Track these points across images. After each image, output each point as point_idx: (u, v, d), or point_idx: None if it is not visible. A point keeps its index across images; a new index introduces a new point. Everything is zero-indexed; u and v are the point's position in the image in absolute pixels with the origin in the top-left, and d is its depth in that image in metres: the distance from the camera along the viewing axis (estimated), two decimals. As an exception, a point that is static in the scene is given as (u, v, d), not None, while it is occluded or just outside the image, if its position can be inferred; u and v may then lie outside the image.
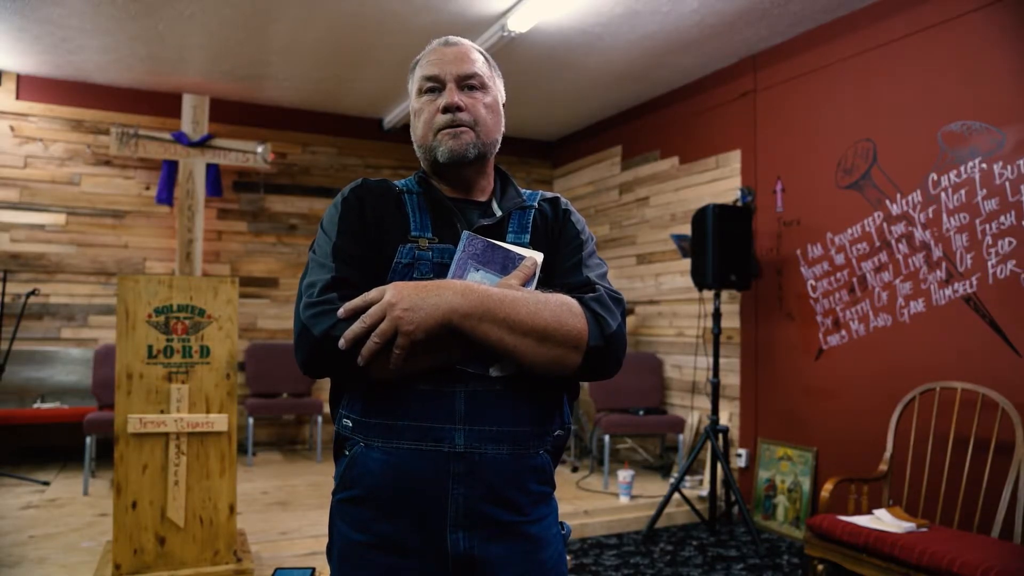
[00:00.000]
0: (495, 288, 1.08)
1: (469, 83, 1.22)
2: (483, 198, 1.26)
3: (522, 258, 1.15)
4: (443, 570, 1.11)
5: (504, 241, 1.19)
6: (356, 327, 1.04)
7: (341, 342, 1.04)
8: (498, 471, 1.11)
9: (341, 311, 1.06)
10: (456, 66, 1.21)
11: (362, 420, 1.13)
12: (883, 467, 3.23)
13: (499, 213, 1.23)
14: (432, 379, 1.10)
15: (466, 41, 1.27)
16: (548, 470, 1.18)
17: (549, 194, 1.32)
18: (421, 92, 1.23)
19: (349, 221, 1.17)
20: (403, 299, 1.03)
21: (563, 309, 1.10)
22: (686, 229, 4.73)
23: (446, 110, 1.19)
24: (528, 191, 1.30)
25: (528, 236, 1.23)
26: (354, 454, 1.14)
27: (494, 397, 1.12)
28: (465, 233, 1.15)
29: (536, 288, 1.15)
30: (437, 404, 1.10)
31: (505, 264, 1.14)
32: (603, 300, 1.15)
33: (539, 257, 1.17)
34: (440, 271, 1.14)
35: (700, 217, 4.15)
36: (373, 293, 1.06)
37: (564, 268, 1.22)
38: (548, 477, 1.19)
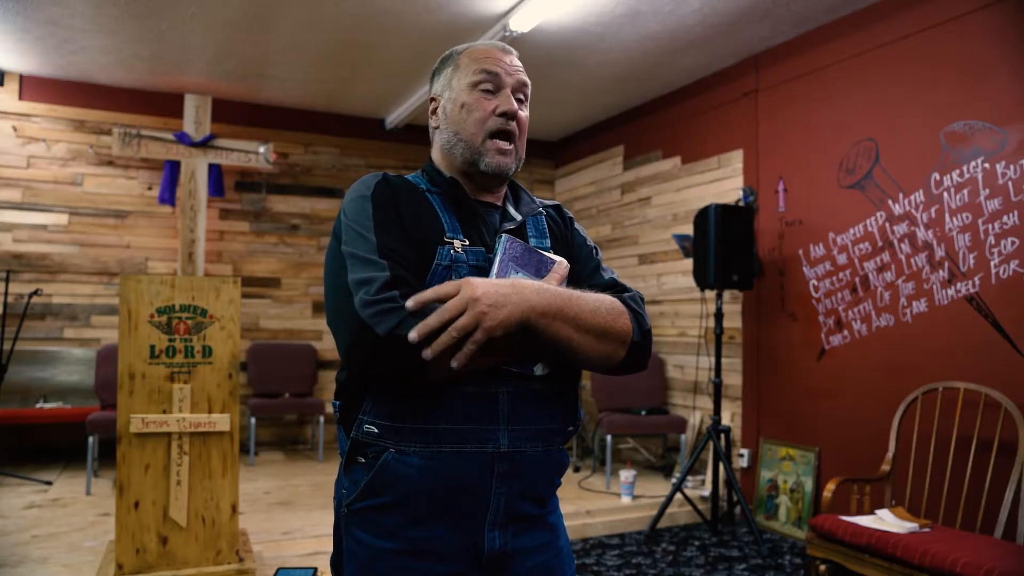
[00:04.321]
0: (562, 288, 1.11)
1: (522, 94, 1.24)
2: (498, 202, 1.28)
3: (553, 261, 1.18)
4: (476, 568, 1.13)
5: (525, 243, 1.22)
6: (433, 320, 1.00)
7: (413, 334, 1.00)
8: (535, 468, 1.15)
9: (411, 302, 1.02)
10: (516, 74, 1.23)
11: (393, 425, 1.11)
12: (886, 467, 3.22)
13: (519, 217, 1.25)
14: (476, 381, 1.10)
15: (516, 52, 1.29)
16: (567, 463, 1.25)
17: (549, 201, 1.36)
18: (475, 86, 1.21)
19: (387, 217, 1.14)
20: (486, 295, 1.01)
21: (615, 309, 1.14)
22: (688, 229, 4.72)
23: (504, 115, 1.19)
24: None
25: (548, 240, 1.27)
26: (384, 460, 1.11)
27: (532, 396, 1.14)
28: (504, 236, 1.16)
29: None
30: (481, 406, 1.10)
31: (539, 267, 1.16)
32: (637, 300, 1.21)
33: (566, 261, 1.20)
34: (475, 274, 1.14)
35: (702, 217, 4.14)
36: (448, 286, 1.03)
37: (585, 272, 1.27)
38: (565, 470, 1.25)
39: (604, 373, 1.20)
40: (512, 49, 1.27)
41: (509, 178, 1.26)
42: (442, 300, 1.02)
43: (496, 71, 1.21)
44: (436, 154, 1.28)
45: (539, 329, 1.06)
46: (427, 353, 1.01)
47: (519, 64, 1.26)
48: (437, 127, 1.27)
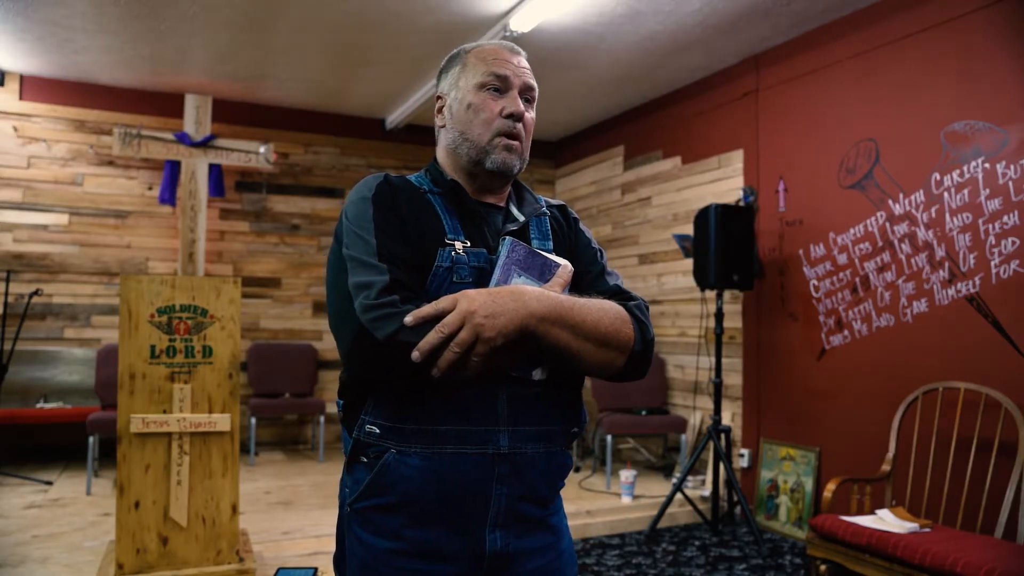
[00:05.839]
0: (563, 295, 1.11)
1: (529, 96, 1.24)
2: (501, 203, 1.27)
3: (557, 265, 1.17)
4: (477, 570, 1.13)
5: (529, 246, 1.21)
6: (433, 337, 1.01)
7: (415, 354, 1.01)
8: (536, 469, 1.15)
9: (409, 319, 1.02)
10: (523, 76, 1.23)
11: (395, 426, 1.11)
12: (886, 467, 3.22)
13: (522, 218, 1.24)
14: (476, 383, 1.09)
15: (525, 53, 1.29)
16: (570, 465, 1.24)
17: (554, 201, 1.34)
18: (482, 87, 1.21)
19: (387, 220, 1.13)
20: (482, 306, 1.02)
21: (619, 317, 1.14)
22: (688, 229, 4.72)
23: (511, 116, 1.19)
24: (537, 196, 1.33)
25: (551, 243, 1.26)
26: (386, 461, 1.11)
27: (532, 398, 1.14)
28: (508, 239, 1.15)
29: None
30: (480, 407, 1.11)
31: (543, 271, 1.16)
32: (642, 308, 1.21)
33: (570, 264, 1.19)
34: (477, 275, 1.14)
35: (702, 217, 4.15)
36: (445, 302, 1.03)
37: (591, 275, 1.26)
38: (568, 471, 1.24)
39: (604, 379, 1.20)
40: (520, 50, 1.27)
41: (513, 177, 1.25)
42: (440, 315, 1.02)
43: (504, 73, 1.21)
44: (441, 153, 1.27)
45: (539, 335, 1.06)
46: (434, 372, 1.02)
47: (527, 66, 1.25)
48: (443, 126, 1.26)
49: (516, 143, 1.20)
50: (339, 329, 1.10)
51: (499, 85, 1.21)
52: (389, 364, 1.04)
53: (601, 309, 1.12)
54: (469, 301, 1.02)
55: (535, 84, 1.25)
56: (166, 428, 2.72)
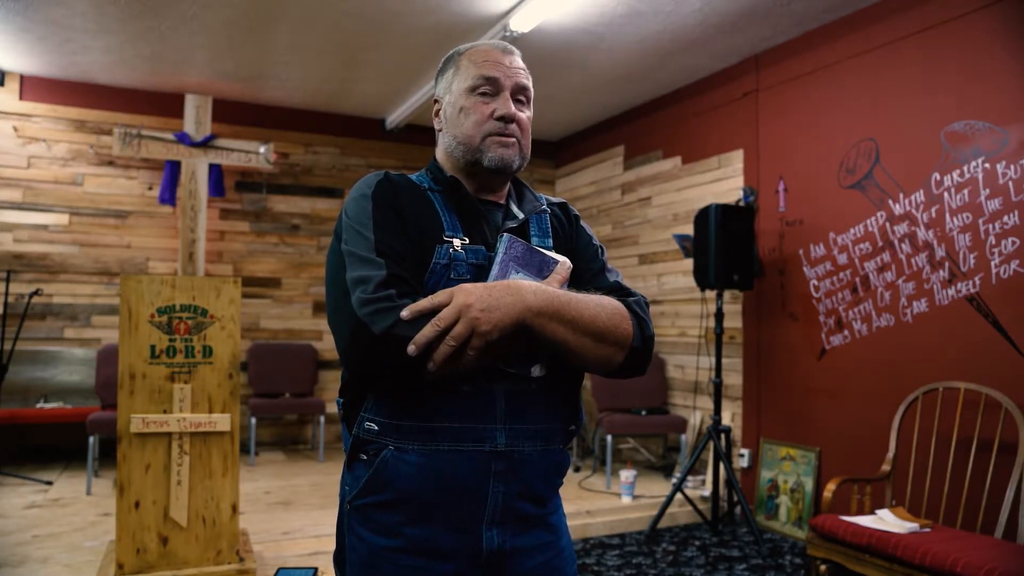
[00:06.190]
0: (560, 290, 1.11)
1: (522, 96, 1.24)
2: (501, 201, 1.28)
3: (556, 262, 1.17)
4: (475, 567, 1.13)
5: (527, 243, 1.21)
6: (428, 331, 1.01)
7: (411, 347, 1.01)
8: (534, 468, 1.15)
9: (406, 312, 1.02)
10: (515, 77, 1.22)
11: (392, 423, 1.12)
12: (886, 467, 3.22)
13: (521, 216, 1.25)
14: (472, 379, 1.10)
15: (518, 52, 1.28)
16: (567, 464, 1.24)
17: (555, 199, 1.35)
18: (473, 90, 1.21)
19: (386, 216, 1.14)
20: (479, 300, 1.02)
21: (617, 313, 1.14)
22: (688, 229, 4.72)
23: (502, 118, 1.19)
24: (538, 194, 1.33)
25: (551, 240, 1.26)
26: (384, 458, 1.12)
27: (531, 395, 1.15)
28: (506, 236, 1.15)
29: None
30: (478, 404, 1.11)
31: (541, 267, 1.16)
32: (641, 304, 1.21)
33: (569, 261, 1.19)
34: (475, 272, 1.14)
35: (702, 217, 4.15)
36: (441, 296, 1.04)
37: (591, 272, 1.26)
38: (566, 470, 1.24)
39: (603, 376, 1.20)
40: (514, 49, 1.26)
41: (513, 174, 1.25)
42: (437, 309, 1.02)
43: (494, 75, 1.20)
44: (440, 155, 1.28)
45: (535, 330, 1.06)
46: (430, 365, 1.02)
47: (520, 65, 1.24)
48: (440, 130, 1.27)
49: (511, 140, 1.20)
50: (337, 324, 1.10)
51: (489, 88, 1.20)
52: (385, 358, 1.04)
53: (599, 304, 1.12)
54: (465, 295, 1.02)
55: (529, 84, 1.24)
56: (166, 428, 2.72)
